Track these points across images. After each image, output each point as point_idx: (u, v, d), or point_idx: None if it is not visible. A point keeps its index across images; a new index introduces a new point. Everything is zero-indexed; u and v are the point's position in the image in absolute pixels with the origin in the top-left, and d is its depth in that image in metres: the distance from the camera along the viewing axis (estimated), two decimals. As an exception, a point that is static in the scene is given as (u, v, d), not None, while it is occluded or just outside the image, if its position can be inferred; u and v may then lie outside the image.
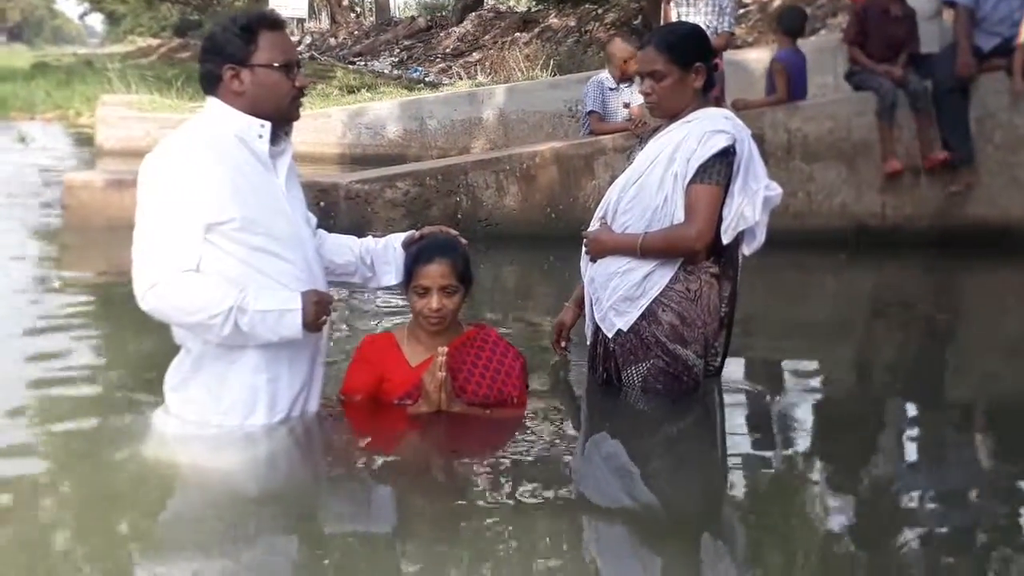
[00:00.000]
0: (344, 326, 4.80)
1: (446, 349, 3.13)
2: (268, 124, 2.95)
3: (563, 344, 3.91)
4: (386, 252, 3.38)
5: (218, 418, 3.03)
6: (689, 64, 3.47)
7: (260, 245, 2.92)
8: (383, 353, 3.32)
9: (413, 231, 3.41)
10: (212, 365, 3.01)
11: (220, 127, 2.95)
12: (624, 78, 7.25)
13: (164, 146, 2.93)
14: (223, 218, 2.85)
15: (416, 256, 3.22)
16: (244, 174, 2.91)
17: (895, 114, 6.99)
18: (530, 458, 3.16)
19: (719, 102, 6.92)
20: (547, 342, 4.00)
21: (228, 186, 2.86)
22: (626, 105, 7.46)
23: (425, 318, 3.20)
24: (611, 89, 7.43)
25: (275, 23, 3.01)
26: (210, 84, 2.98)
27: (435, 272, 3.16)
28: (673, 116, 3.54)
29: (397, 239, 3.39)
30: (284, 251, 2.98)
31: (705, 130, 3.42)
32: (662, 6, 8.24)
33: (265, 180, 2.98)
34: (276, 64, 2.94)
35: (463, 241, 3.33)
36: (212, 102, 2.99)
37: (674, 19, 7.65)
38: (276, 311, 2.89)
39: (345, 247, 3.39)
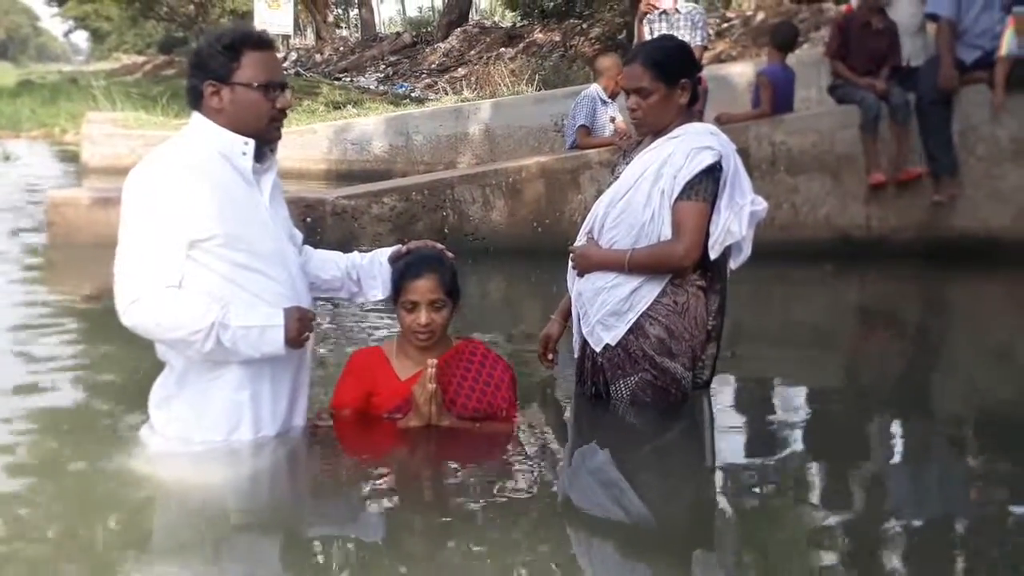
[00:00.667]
0: (332, 341, 4.80)
1: (435, 361, 3.13)
2: (252, 142, 2.95)
3: (550, 357, 3.91)
4: (372, 267, 3.37)
5: (201, 434, 3.02)
6: (675, 80, 3.49)
7: (243, 262, 2.92)
8: (373, 367, 3.32)
9: (400, 246, 3.40)
10: (195, 382, 3.00)
11: (203, 143, 2.94)
12: (615, 93, 7.31)
13: (147, 162, 2.92)
14: (205, 235, 2.85)
15: (403, 271, 3.22)
16: (227, 191, 2.91)
17: (879, 127, 7.04)
18: (519, 472, 3.17)
19: (700, 116, 6.97)
20: (534, 355, 4.00)
21: (211, 203, 2.85)
22: (612, 120, 7.50)
23: (414, 333, 3.20)
24: (603, 103, 7.48)
25: (261, 43, 2.99)
26: (194, 99, 2.98)
27: (423, 287, 3.16)
28: (659, 132, 3.55)
29: (383, 254, 3.38)
30: (267, 268, 2.97)
31: (691, 147, 3.44)
32: (636, 24, 8.33)
33: (249, 197, 2.97)
34: (256, 84, 2.93)
35: (450, 255, 3.34)
36: (196, 118, 2.99)
37: (647, 36, 7.72)
38: (258, 327, 2.89)
39: (331, 263, 3.39)
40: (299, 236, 3.31)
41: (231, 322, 2.84)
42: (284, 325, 2.90)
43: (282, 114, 3.02)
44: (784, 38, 7.79)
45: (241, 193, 2.94)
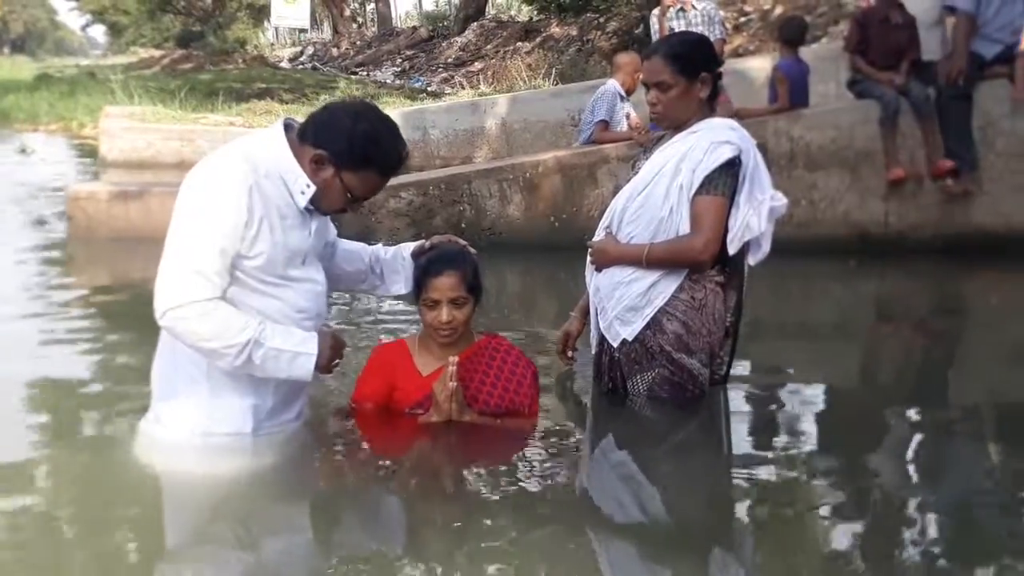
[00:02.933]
0: (350, 335, 4.81)
1: (457, 359, 3.13)
2: (314, 187, 2.92)
3: (569, 354, 3.91)
4: (395, 261, 3.39)
5: (208, 427, 3.01)
6: (695, 74, 3.48)
7: (272, 281, 2.92)
8: (395, 362, 3.33)
9: (423, 241, 3.41)
10: (199, 382, 2.99)
11: (273, 162, 2.89)
12: (631, 90, 7.31)
13: (215, 163, 2.89)
14: (251, 253, 2.84)
15: (425, 268, 3.22)
16: (282, 215, 2.89)
17: (898, 122, 7.00)
18: (539, 468, 3.17)
19: (728, 106, 6.98)
20: (552, 351, 4.01)
21: (264, 224, 2.84)
22: (627, 116, 7.49)
23: (435, 330, 3.21)
24: (621, 99, 7.47)
25: (389, 170, 3.00)
26: (307, 134, 2.94)
27: (444, 285, 3.16)
28: (679, 126, 3.55)
29: (407, 248, 3.40)
30: (295, 286, 2.99)
31: (711, 141, 3.43)
32: (656, 18, 8.32)
33: (296, 224, 2.95)
34: (350, 194, 2.96)
35: (472, 251, 3.34)
36: (280, 135, 2.94)
37: (666, 32, 7.74)
38: (291, 352, 2.89)
39: (355, 255, 3.40)
40: (333, 232, 3.32)
41: (265, 341, 2.84)
42: (317, 353, 2.92)
43: (344, 212, 3.07)
44: (791, 32, 7.76)
45: (291, 219, 2.93)
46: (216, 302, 2.81)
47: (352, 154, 2.89)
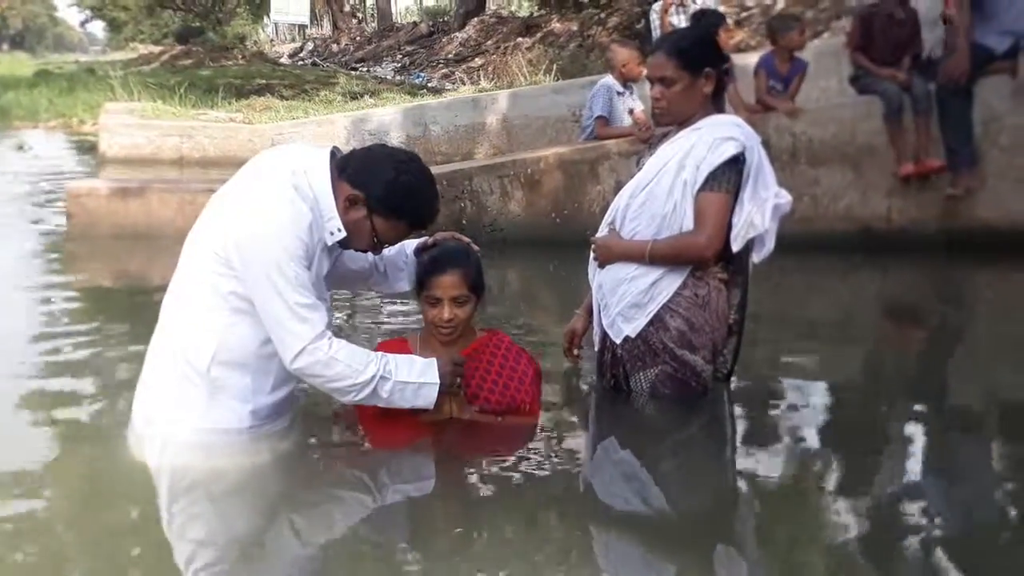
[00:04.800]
0: (353, 332, 4.79)
1: (459, 355, 3.12)
2: (344, 232, 2.97)
3: (575, 352, 3.90)
4: (398, 258, 3.38)
5: (200, 424, 3.02)
6: (699, 70, 3.46)
7: None
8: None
9: (426, 237, 3.40)
10: (195, 383, 2.99)
11: (315, 198, 2.93)
12: (625, 81, 7.29)
13: (274, 193, 2.90)
14: None
15: (427, 266, 3.21)
16: (319, 246, 2.97)
17: (903, 117, 6.95)
18: (540, 465, 3.16)
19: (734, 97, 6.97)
20: (553, 348, 3.99)
21: (314, 255, 2.93)
22: (630, 112, 7.46)
23: (437, 328, 3.19)
24: (618, 93, 7.44)
25: (420, 223, 3.08)
26: (347, 170, 2.98)
27: (446, 283, 3.15)
28: (682, 122, 3.53)
29: (410, 245, 3.38)
30: None
31: (715, 137, 3.41)
32: (658, 14, 8.30)
33: (324, 255, 3.03)
34: (377, 238, 3.02)
35: (475, 248, 3.32)
36: (323, 170, 2.96)
37: (668, 27, 7.72)
38: (415, 384, 3.00)
39: (360, 254, 3.38)
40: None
41: (391, 375, 2.95)
42: (439, 381, 3.02)
43: (366, 252, 3.14)
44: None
45: (322, 251, 3.00)
46: (336, 341, 2.91)
47: (388, 203, 2.97)
